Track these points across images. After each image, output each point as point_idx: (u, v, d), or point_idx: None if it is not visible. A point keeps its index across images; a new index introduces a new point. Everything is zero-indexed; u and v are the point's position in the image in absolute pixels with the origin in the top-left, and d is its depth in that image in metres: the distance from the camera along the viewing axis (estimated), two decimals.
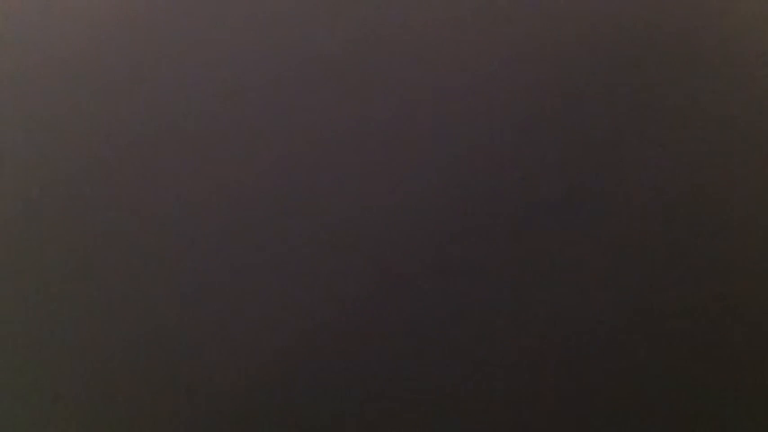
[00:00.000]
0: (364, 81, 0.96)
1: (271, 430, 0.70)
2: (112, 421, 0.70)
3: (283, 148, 0.90)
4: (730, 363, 0.73)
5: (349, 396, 0.71)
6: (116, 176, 0.87)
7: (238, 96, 0.95)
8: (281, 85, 0.96)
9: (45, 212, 0.84)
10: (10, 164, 0.88)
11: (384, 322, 0.76)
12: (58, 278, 0.79)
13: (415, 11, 1.04)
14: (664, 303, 0.77)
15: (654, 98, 0.94)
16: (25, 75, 0.98)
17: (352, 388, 0.72)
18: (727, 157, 0.89)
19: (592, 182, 0.86)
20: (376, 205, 0.85)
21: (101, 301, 0.77)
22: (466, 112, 0.93)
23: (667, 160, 0.88)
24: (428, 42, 1.01)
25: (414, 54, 0.99)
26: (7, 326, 0.76)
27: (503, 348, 0.74)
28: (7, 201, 0.85)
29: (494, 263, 0.80)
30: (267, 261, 0.80)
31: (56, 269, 0.80)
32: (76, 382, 0.72)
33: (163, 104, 0.94)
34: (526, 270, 0.79)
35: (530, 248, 0.81)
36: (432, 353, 0.74)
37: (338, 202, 0.85)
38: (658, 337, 0.75)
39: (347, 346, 0.75)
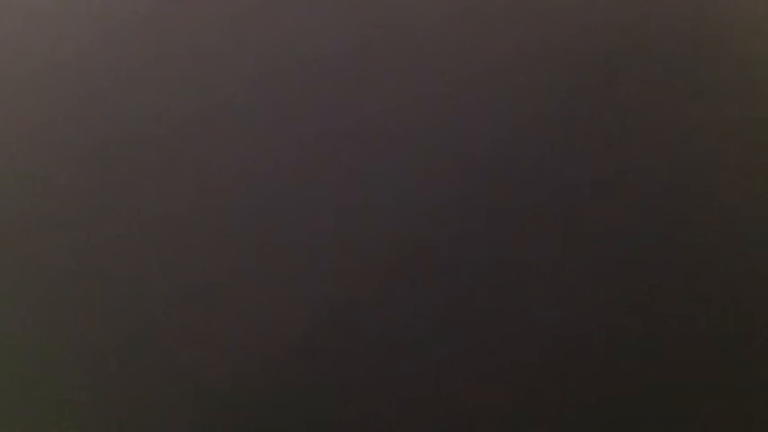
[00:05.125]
0: (364, 81, 0.96)
1: (268, 430, 0.70)
2: (112, 421, 0.70)
3: (281, 149, 0.90)
4: (730, 363, 0.73)
5: (348, 396, 0.71)
6: (114, 176, 0.87)
7: (237, 97, 0.95)
8: (282, 85, 0.96)
9: (45, 212, 0.84)
10: (10, 164, 0.89)
11: (383, 322, 0.76)
12: (57, 278, 0.79)
13: (416, 11, 1.04)
14: (664, 303, 0.77)
15: (654, 98, 0.94)
16: (26, 74, 0.98)
17: (351, 388, 0.72)
18: (728, 156, 0.89)
19: (591, 182, 0.86)
20: (375, 205, 0.85)
21: (99, 301, 0.77)
22: (466, 112, 0.93)
23: (667, 160, 0.88)
24: (427, 42, 1.01)
25: (413, 54, 0.99)
26: (7, 326, 0.76)
27: (502, 349, 0.74)
28: (8, 200, 0.85)
29: (493, 263, 0.80)
30: (265, 261, 0.80)
31: (54, 269, 0.80)
32: (75, 382, 0.72)
33: (162, 105, 0.94)
34: (525, 270, 0.79)
35: (529, 249, 0.81)
36: (431, 353, 0.74)
37: (337, 201, 0.85)
38: (658, 337, 0.75)
39: (345, 346, 0.75)
